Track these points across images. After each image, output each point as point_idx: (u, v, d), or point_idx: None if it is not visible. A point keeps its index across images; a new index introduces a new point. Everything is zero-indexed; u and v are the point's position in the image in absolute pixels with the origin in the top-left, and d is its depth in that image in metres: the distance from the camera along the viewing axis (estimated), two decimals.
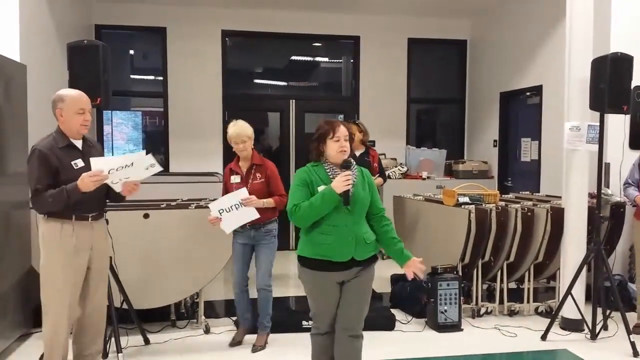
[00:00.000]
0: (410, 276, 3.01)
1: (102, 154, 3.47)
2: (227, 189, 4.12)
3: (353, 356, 3.05)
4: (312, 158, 3.03)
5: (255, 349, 4.10)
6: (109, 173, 3.13)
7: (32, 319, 4.27)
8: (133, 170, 3.21)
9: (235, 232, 4.03)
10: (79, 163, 3.17)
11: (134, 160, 3.22)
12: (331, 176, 2.92)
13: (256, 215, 3.88)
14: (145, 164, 3.25)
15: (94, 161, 3.10)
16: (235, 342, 4.21)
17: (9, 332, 4.04)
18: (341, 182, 2.81)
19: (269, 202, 4.00)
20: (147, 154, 3.28)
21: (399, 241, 3.02)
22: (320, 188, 2.87)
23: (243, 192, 3.85)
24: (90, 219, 3.22)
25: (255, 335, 4.21)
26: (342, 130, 2.93)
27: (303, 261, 2.97)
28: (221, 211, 3.82)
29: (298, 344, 4.13)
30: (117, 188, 3.23)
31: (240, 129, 4.06)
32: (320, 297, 2.99)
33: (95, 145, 3.47)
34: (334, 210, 2.84)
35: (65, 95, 3.20)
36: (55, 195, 3.05)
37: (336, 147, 2.92)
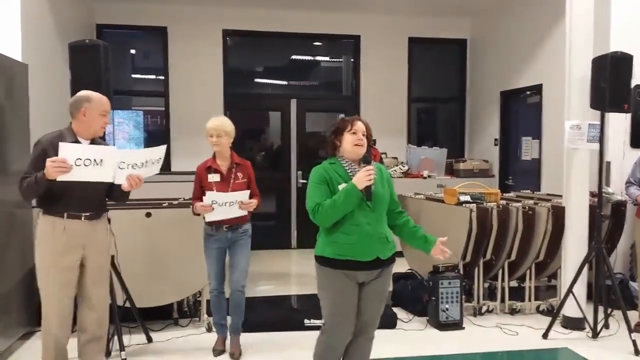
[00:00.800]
0: (442, 256, 3.01)
1: None
2: (204, 189, 3.86)
3: (366, 357, 3.06)
4: (328, 152, 2.99)
5: (236, 356, 3.94)
6: (120, 166, 3.19)
7: (35, 317, 4.26)
8: (143, 168, 3.26)
9: (209, 236, 3.90)
10: None
11: (141, 157, 3.27)
12: (350, 173, 2.86)
13: (243, 214, 3.85)
14: (154, 157, 3.31)
15: (62, 146, 3.04)
16: (219, 352, 4.02)
17: (12, 330, 4.05)
18: (363, 177, 2.74)
19: (258, 205, 3.93)
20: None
21: (419, 228, 3.03)
22: (341, 186, 2.80)
23: (245, 194, 3.82)
24: (83, 218, 3.22)
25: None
26: (359, 125, 2.92)
27: (323, 261, 2.87)
28: (214, 202, 3.74)
29: (300, 343, 4.14)
30: (120, 180, 3.22)
31: (221, 122, 3.93)
32: (341, 299, 2.85)
33: (106, 145, 3.46)
34: (356, 208, 2.78)
35: (92, 96, 3.23)
36: (29, 182, 3.08)
37: (352, 140, 2.88)
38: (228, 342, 4.07)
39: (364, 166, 2.83)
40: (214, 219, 3.81)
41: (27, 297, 4.18)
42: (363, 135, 2.92)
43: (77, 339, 3.41)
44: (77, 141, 3.21)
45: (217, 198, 3.76)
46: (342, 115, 8.27)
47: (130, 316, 4.21)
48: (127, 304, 4.13)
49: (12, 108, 4.10)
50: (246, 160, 4.07)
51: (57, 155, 3.04)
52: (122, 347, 3.76)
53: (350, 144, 2.89)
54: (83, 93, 3.25)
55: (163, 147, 3.38)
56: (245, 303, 4.00)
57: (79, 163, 3.05)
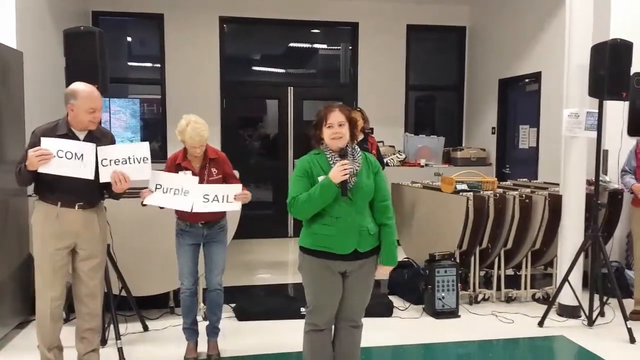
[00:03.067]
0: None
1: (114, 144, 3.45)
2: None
3: (353, 346, 3.06)
4: (313, 145, 2.98)
5: (214, 358, 3.76)
6: (102, 163, 3.16)
7: (30, 306, 4.26)
8: (127, 165, 3.23)
9: (182, 231, 3.64)
10: None
11: (123, 152, 3.25)
12: (332, 164, 2.84)
13: (235, 207, 3.51)
14: (138, 155, 3.27)
15: (44, 141, 3.08)
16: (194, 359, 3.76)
17: (8, 319, 4.05)
18: (338, 172, 2.73)
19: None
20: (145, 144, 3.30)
21: (387, 244, 2.93)
22: (320, 178, 2.80)
23: (238, 188, 3.51)
24: (77, 207, 3.22)
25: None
26: (335, 116, 2.85)
27: (305, 250, 2.91)
28: (158, 186, 3.41)
29: (297, 330, 4.14)
30: (105, 178, 3.21)
31: (200, 131, 3.49)
32: (322, 288, 2.91)
33: (107, 136, 3.42)
34: (335, 201, 2.78)
35: (79, 92, 3.17)
36: (16, 171, 3.15)
37: (329, 134, 2.84)
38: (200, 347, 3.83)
39: (339, 160, 2.81)
40: (155, 204, 3.45)
41: (23, 285, 4.18)
42: (340, 125, 2.85)
43: (76, 327, 3.43)
44: (71, 132, 3.20)
45: (161, 181, 3.43)
46: (339, 104, 8.25)
47: (126, 305, 4.22)
48: (123, 293, 4.13)
49: (6, 96, 4.07)
50: (221, 152, 3.77)
51: None
52: (118, 336, 3.76)
53: (328, 137, 2.87)
54: (73, 87, 3.22)
55: (145, 144, 3.34)
56: (243, 291, 3.95)
57: (60, 155, 3.08)
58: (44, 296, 3.24)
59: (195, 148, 3.53)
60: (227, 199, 3.47)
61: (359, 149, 2.94)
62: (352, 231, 2.81)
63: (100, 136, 3.33)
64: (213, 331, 3.80)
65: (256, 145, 8.20)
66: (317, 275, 2.90)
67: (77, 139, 3.21)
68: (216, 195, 3.46)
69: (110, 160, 3.21)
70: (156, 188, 3.41)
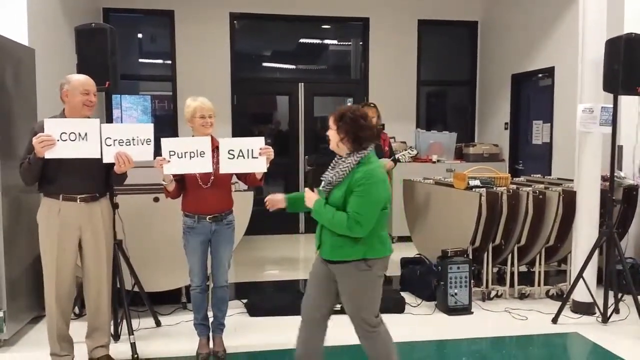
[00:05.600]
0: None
1: None
2: (183, 176, 3.50)
3: (367, 350, 3.03)
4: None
5: (222, 355, 3.72)
6: (106, 142, 3.20)
7: (43, 301, 4.30)
8: (131, 146, 3.26)
9: (190, 229, 3.56)
10: None
11: (127, 132, 3.28)
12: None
13: (260, 168, 3.39)
14: (142, 136, 3.28)
15: (47, 122, 3.14)
16: (206, 355, 3.72)
17: (22, 314, 4.08)
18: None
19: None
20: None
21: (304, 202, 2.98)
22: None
23: (260, 141, 3.37)
24: (79, 200, 3.26)
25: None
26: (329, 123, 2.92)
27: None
28: (172, 152, 3.29)
29: None
30: (109, 159, 3.23)
31: (205, 101, 3.57)
32: (310, 275, 3.10)
33: None
34: None
35: (71, 77, 3.31)
36: (24, 165, 3.18)
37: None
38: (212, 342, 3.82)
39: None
40: (174, 172, 3.34)
41: (35, 281, 4.20)
42: (329, 129, 2.90)
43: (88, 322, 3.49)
44: None
45: (174, 147, 3.31)
46: (350, 100, 8.25)
47: (139, 300, 4.24)
48: (136, 289, 4.15)
49: (19, 93, 4.09)
50: None
51: None
52: (131, 331, 3.78)
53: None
54: (66, 76, 3.32)
55: (150, 125, 3.37)
56: (254, 287, 3.94)
57: (64, 137, 3.11)
58: (51, 291, 3.30)
59: (205, 118, 3.51)
60: (252, 153, 3.34)
61: (348, 162, 2.80)
62: (318, 235, 2.95)
63: None
64: (219, 327, 3.78)
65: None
66: (314, 264, 3.08)
67: None
68: (241, 150, 3.33)
69: (114, 140, 3.24)
70: (170, 155, 3.29)
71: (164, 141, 3.31)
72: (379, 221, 2.82)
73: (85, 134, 3.15)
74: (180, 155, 3.29)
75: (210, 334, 3.79)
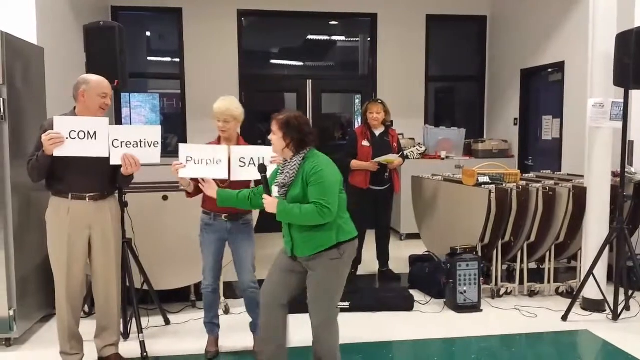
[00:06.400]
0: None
1: None
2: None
3: (324, 344, 3.10)
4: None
5: (261, 355, 3.44)
6: (114, 144, 3.21)
7: (54, 299, 4.33)
8: (138, 148, 3.28)
9: (207, 225, 3.60)
10: None
11: (134, 134, 3.29)
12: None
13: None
14: (150, 138, 3.30)
15: (56, 119, 3.14)
16: (214, 354, 3.74)
17: (33, 312, 4.11)
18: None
19: None
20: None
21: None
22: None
23: (270, 150, 3.28)
24: (88, 199, 3.27)
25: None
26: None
27: None
28: (189, 158, 3.33)
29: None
30: (116, 160, 3.24)
31: (229, 104, 3.54)
32: (272, 266, 3.21)
33: None
34: None
35: (90, 78, 3.30)
36: (32, 162, 3.19)
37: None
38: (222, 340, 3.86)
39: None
40: (188, 176, 3.37)
41: (45, 280, 4.22)
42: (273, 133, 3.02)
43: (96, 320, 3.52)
44: None
45: (192, 153, 3.36)
46: (358, 96, 8.23)
47: (148, 299, 4.26)
48: (145, 287, 4.16)
49: (29, 92, 4.11)
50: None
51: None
52: (140, 329, 3.79)
53: None
54: (83, 76, 3.32)
55: (158, 127, 3.39)
56: (261, 285, 3.91)
57: (73, 136, 3.12)
58: (61, 289, 3.31)
59: (219, 122, 3.52)
60: (264, 161, 3.35)
61: (294, 161, 2.98)
62: (288, 237, 3.04)
63: None
64: (255, 328, 3.72)
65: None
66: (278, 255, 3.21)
67: None
68: (252, 158, 3.41)
69: (122, 142, 3.25)
70: (187, 160, 3.34)
71: (182, 147, 3.37)
72: (340, 205, 2.95)
73: (95, 133, 3.17)
74: (196, 162, 3.34)
75: (227, 332, 3.84)
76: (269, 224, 3.67)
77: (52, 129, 3.14)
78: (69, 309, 3.34)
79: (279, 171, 3.07)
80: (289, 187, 2.96)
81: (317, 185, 2.88)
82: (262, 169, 3.01)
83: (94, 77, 3.31)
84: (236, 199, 3.21)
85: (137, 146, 3.27)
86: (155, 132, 3.35)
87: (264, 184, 2.99)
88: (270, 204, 2.95)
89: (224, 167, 3.37)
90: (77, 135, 3.13)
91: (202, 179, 3.29)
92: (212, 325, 3.78)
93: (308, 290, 3.05)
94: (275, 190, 3.00)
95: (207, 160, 3.34)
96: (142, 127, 3.40)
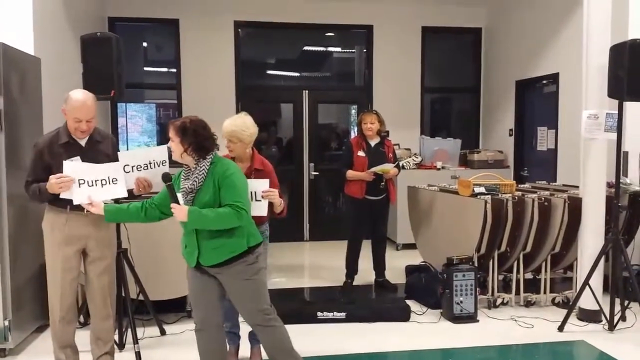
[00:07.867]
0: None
1: (115, 147, 3.50)
2: None
3: (270, 344, 3.19)
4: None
5: None
6: (125, 170, 3.24)
7: (49, 310, 4.31)
8: (148, 170, 3.32)
9: None
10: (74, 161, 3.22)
11: (143, 157, 3.33)
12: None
13: (261, 212, 3.27)
14: (157, 159, 3.33)
15: (66, 164, 3.12)
16: None
17: (27, 323, 4.08)
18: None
19: (281, 204, 3.49)
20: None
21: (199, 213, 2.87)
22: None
23: (265, 183, 3.28)
24: (85, 211, 3.24)
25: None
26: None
27: None
28: (81, 181, 3.12)
29: (313, 335, 4.13)
30: (129, 185, 3.28)
31: (235, 127, 3.39)
32: (190, 285, 3.18)
33: (107, 138, 3.47)
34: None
35: (70, 99, 3.22)
36: (34, 190, 3.20)
37: None
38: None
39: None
40: (84, 202, 3.07)
41: (40, 290, 4.19)
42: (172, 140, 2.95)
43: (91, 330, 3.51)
44: (72, 139, 3.25)
45: (82, 174, 3.12)
46: (354, 107, 8.26)
47: (143, 309, 4.24)
48: (141, 297, 4.14)
49: (25, 102, 4.11)
50: (269, 165, 3.62)
51: (52, 157, 3.15)
52: (135, 340, 3.77)
53: None
54: (70, 92, 3.25)
55: (164, 147, 3.37)
56: None
57: (81, 182, 3.12)
58: (55, 299, 3.31)
59: (226, 142, 3.41)
60: (256, 196, 3.25)
61: (202, 166, 2.92)
62: (191, 247, 2.99)
63: (100, 139, 3.39)
64: (255, 338, 3.68)
65: (272, 149, 8.20)
66: (189, 274, 3.13)
67: (79, 145, 3.25)
68: (145, 164, 3.37)
69: (133, 167, 3.29)
70: (79, 184, 3.14)
71: (67, 165, 3.13)
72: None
73: (108, 178, 3.19)
74: (90, 184, 3.17)
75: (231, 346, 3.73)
76: (271, 235, 3.67)
77: (46, 150, 3.15)
78: (63, 319, 3.33)
79: (182, 177, 2.99)
80: (196, 193, 2.92)
81: (230, 188, 2.89)
82: (167, 178, 2.92)
83: (73, 99, 3.19)
84: (127, 212, 3.05)
85: (147, 168, 3.33)
86: (162, 152, 3.39)
87: (171, 193, 2.88)
88: (180, 211, 2.83)
89: (123, 184, 3.26)
90: (85, 182, 3.13)
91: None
92: (231, 335, 3.71)
93: (232, 299, 3.08)
94: (179, 197, 2.90)
95: (101, 182, 3.20)
96: (149, 149, 3.40)
